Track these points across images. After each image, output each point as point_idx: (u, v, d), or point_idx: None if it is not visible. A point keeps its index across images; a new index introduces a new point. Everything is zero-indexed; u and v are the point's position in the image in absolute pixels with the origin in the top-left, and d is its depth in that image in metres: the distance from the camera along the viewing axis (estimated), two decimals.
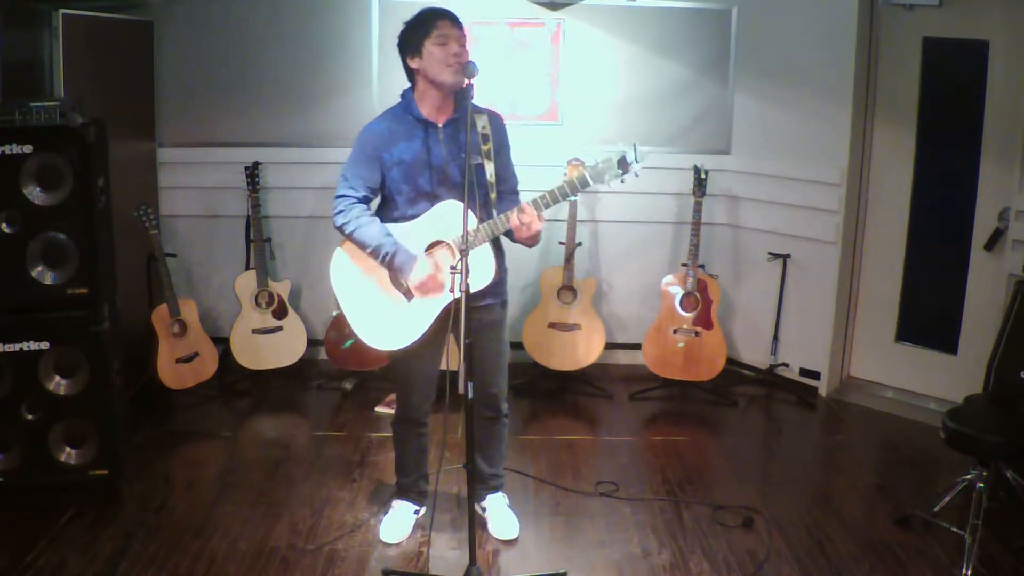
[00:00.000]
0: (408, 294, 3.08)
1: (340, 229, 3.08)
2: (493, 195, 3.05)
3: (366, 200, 3.10)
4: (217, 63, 4.90)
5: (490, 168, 3.05)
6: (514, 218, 2.96)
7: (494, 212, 3.03)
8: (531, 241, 3.02)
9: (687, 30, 4.98)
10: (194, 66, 4.90)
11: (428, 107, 3.06)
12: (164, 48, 4.87)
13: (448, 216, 3.04)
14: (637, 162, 3.00)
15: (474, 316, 3.12)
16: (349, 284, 3.14)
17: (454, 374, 3.25)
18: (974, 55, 4.33)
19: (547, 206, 2.99)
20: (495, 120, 3.13)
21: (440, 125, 3.07)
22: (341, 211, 3.07)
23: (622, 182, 3.02)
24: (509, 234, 3.03)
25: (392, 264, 3.03)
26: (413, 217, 3.08)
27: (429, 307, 3.07)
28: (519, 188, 3.26)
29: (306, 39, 4.92)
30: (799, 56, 4.75)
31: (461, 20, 3.04)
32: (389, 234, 3.05)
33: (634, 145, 3.00)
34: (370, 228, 3.04)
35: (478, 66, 2.92)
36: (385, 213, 3.13)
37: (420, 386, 3.30)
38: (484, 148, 3.04)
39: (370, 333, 3.11)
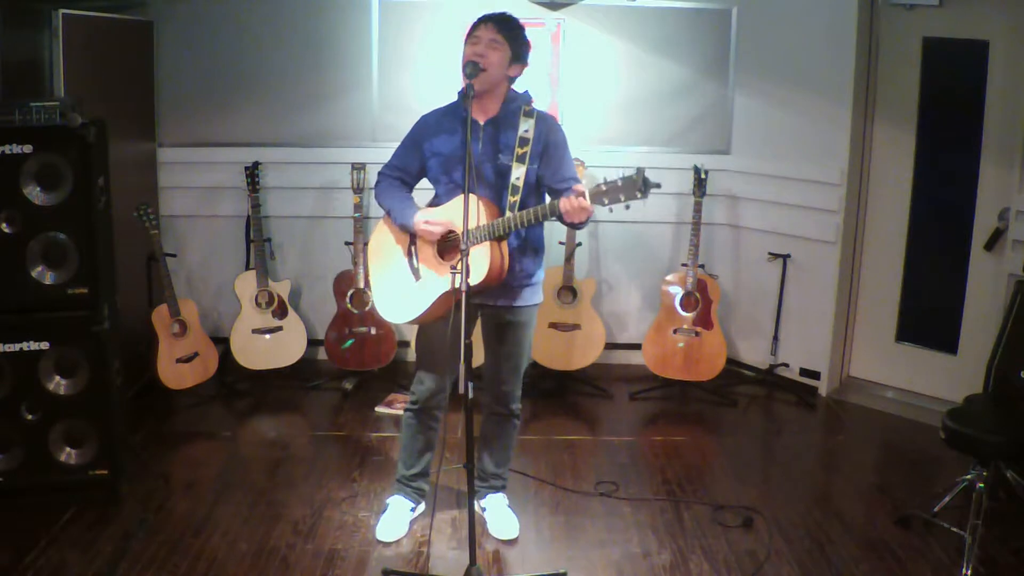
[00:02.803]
0: (416, 274, 3.17)
1: (376, 197, 3.29)
2: (515, 197, 3.04)
3: (400, 180, 3.25)
4: (217, 63, 4.90)
5: (519, 171, 3.06)
6: (564, 202, 2.90)
7: (509, 214, 3.03)
8: (581, 220, 2.96)
9: (687, 30, 4.98)
10: (194, 66, 4.90)
11: (474, 105, 3.08)
12: (164, 48, 4.86)
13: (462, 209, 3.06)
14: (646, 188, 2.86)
15: (492, 313, 3.23)
16: (379, 251, 3.30)
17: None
18: (974, 55, 4.33)
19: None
20: (543, 123, 3.12)
21: (482, 123, 3.10)
22: (377, 183, 3.28)
23: (627, 207, 2.88)
24: (559, 217, 2.95)
25: (402, 224, 3.16)
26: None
27: (429, 291, 3.13)
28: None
29: (306, 39, 4.91)
30: (799, 56, 4.75)
31: (502, 24, 3.05)
32: (402, 200, 3.19)
33: (642, 169, 2.90)
34: (390, 192, 3.23)
35: (479, 66, 2.94)
36: (432, 201, 3.25)
37: (438, 374, 3.30)
38: (519, 151, 3.06)
39: (380, 299, 3.28)
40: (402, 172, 3.24)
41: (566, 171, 3.17)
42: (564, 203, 2.93)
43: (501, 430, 3.43)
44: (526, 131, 3.08)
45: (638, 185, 2.79)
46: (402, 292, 3.20)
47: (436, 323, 3.19)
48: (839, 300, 4.85)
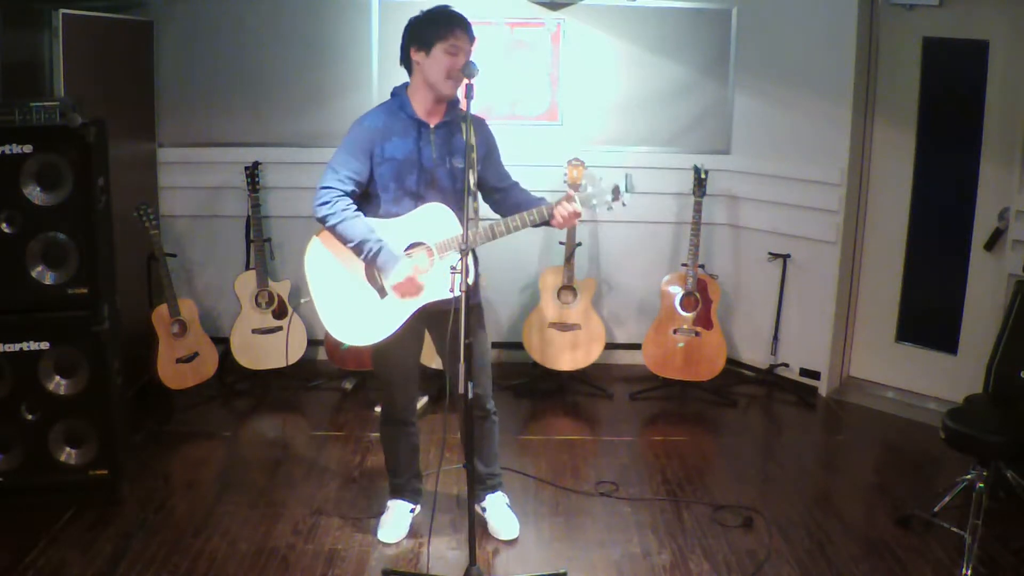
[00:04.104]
0: (382, 291, 3.09)
1: (322, 220, 3.02)
2: (476, 203, 3.07)
3: (352, 194, 3.05)
4: (217, 63, 4.90)
5: (472, 177, 3.04)
6: (561, 208, 3.00)
7: (471, 217, 3.03)
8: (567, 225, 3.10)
9: (687, 30, 4.98)
10: (194, 66, 4.90)
11: (420, 107, 3.07)
12: (164, 48, 4.87)
13: (431, 218, 3.06)
14: (627, 192, 3.04)
15: (454, 318, 3.14)
16: (323, 274, 3.13)
17: (452, 374, 3.28)
18: (974, 55, 4.33)
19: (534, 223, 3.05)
20: (480, 127, 3.14)
21: (432, 127, 3.07)
22: (326, 202, 3.00)
23: (609, 209, 3.07)
24: (547, 223, 3.05)
25: (375, 262, 3.03)
26: (396, 215, 3.08)
27: (402, 306, 3.08)
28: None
29: (306, 39, 4.91)
30: (799, 56, 4.75)
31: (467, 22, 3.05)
32: (373, 231, 3.03)
33: (627, 175, 3.06)
34: (355, 223, 3.01)
35: (478, 66, 2.93)
36: (367, 209, 3.10)
37: (403, 385, 3.32)
38: (470, 156, 3.04)
39: (338, 326, 3.10)
40: (355, 184, 3.03)
41: (503, 167, 3.24)
42: (559, 209, 2.99)
43: (482, 431, 3.41)
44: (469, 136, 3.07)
45: (621, 187, 2.96)
46: (364, 312, 3.08)
47: (397, 346, 3.14)
48: (839, 300, 4.85)
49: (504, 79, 4.95)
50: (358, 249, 3.01)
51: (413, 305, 3.07)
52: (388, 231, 3.06)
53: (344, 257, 3.09)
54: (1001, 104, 4.28)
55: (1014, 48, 4.19)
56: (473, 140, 3.02)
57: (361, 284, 3.10)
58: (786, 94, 4.85)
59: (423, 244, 3.07)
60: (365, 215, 3.07)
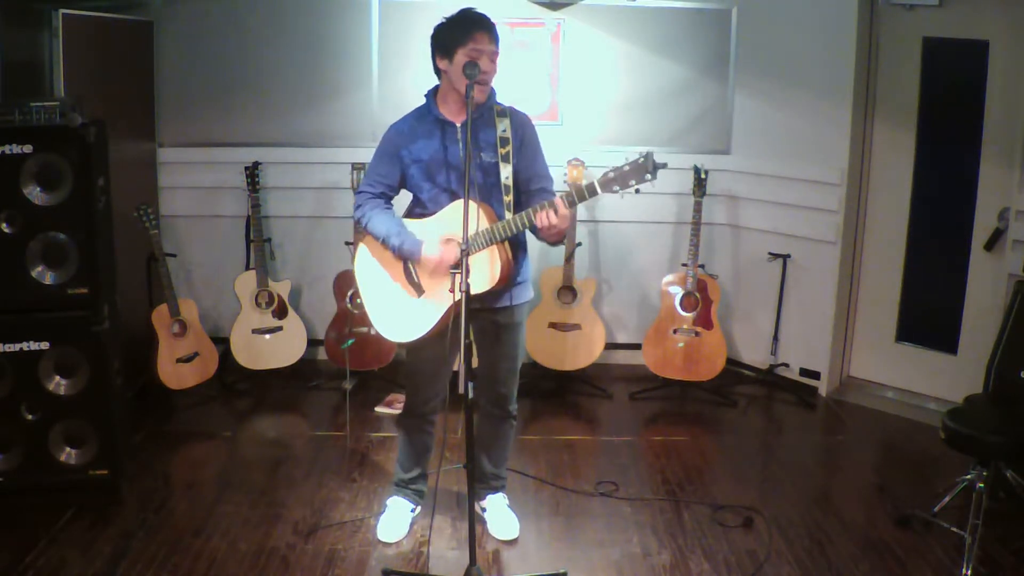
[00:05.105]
0: (418, 288, 3.12)
1: (358, 223, 3.18)
2: (509, 197, 3.06)
3: (383, 196, 3.18)
4: (217, 63, 4.90)
5: (506, 170, 3.06)
6: (542, 216, 2.90)
7: (507, 213, 3.03)
8: (556, 239, 3.00)
9: (687, 30, 4.98)
10: (194, 66, 4.90)
11: (448, 108, 3.09)
12: (164, 48, 4.87)
13: (461, 215, 3.04)
14: (650, 174, 2.86)
15: (487, 317, 3.17)
16: (369, 276, 3.22)
17: (455, 374, 3.28)
18: (974, 55, 4.33)
19: (572, 204, 2.92)
20: (517, 120, 3.14)
21: (458, 125, 3.09)
22: (359, 205, 3.17)
23: (637, 191, 2.93)
24: (535, 231, 2.99)
25: (401, 251, 3.09)
26: (434, 213, 3.13)
27: (437, 303, 3.10)
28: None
29: (306, 39, 4.91)
30: (799, 56, 4.75)
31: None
32: (400, 224, 3.12)
33: (648, 153, 2.92)
34: (381, 218, 3.12)
35: (480, 68, 2.94)
36: (413, 209, 3.20)
37: (430, 380, 3.32)
38: (503, 151, 3.06)
39: (384, 324, 3.19)
40: (386, 187, 3.16)
41: (538, 167, 3.16)
42: (540, 216, 2.89)
43: (498, 431, 3.43)
44: (504, 130, 3.08)
45: (647, 168, 2.83)
46: (405, 310, 3.14)
47: (430, 340, 3.15)
48: (839, 300, 4.85)
49: (504, 79, 4.91)
50: (385, 244, 3.12)
51: (448, 301, 3.06)
52: (421, 229, 3.11)
53: (386, 259, 3.18)
54: (1001, 104, 4.28)
55: (1014, 48, 4.19)
56: (510, 136, 3.06)
57: (401, 284, 3.17)
58: (786, 94, 4.85)
59: (454, 240, 3.07)
60: (415, 215, 3.16)
